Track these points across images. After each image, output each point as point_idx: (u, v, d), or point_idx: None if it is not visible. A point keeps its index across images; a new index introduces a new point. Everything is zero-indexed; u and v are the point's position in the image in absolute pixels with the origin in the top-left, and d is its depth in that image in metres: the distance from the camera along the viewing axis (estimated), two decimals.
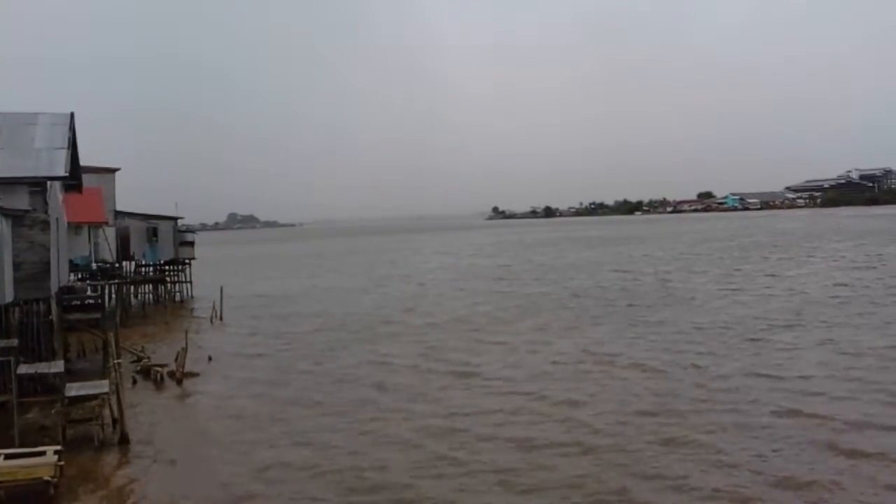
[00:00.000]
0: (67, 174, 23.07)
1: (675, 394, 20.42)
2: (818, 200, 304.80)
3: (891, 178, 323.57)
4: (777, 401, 19.06)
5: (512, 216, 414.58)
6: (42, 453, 14.78)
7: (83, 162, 28.55)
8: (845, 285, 42.98)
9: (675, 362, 24.31)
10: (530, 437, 17.07)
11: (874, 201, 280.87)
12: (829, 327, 29.58)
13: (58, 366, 19.71)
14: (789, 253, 70.02)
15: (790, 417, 17.63)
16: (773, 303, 37.04)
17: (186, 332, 29.70)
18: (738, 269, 56.44)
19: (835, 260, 60.91)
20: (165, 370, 25.88)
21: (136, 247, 49.49)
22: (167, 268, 52.56)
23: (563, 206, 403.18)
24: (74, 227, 38.40)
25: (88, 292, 27.89)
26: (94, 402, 18.21)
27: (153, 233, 50.55)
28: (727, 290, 43.47)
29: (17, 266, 21.57)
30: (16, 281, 21.45)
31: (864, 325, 29.87)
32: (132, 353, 28.73)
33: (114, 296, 41.38)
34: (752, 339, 27.61)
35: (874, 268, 52.69)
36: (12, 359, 18.36)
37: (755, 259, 65.32)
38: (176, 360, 26.08)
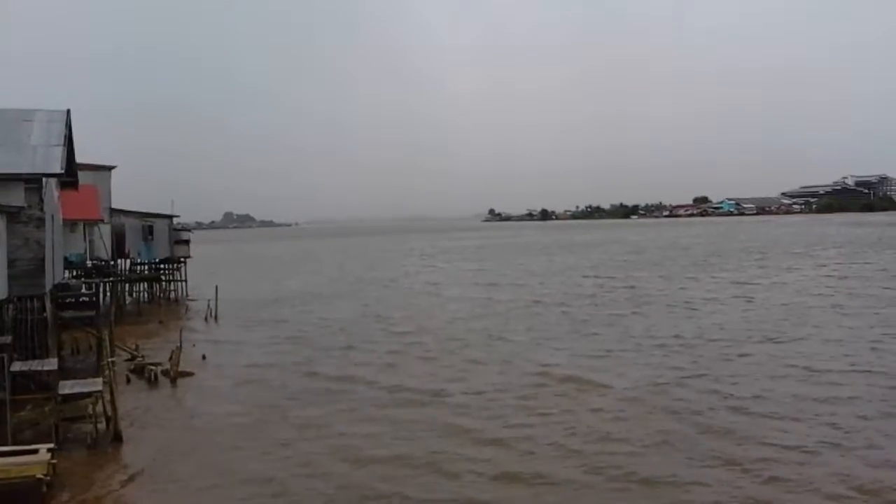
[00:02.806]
0: (63, 171, 22.99)
1: (631, 419, 18.92)
2: (813, 206, 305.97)
3: (886, 185, 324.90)
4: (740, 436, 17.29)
5: (508, 218, 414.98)
6: (35, 451, 14.71)
7: (79, 159, 28.49)
8: (823, 295, 42.56)
9: (639, 383, 22.65)
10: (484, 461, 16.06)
11: (869, 208, 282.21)
12: (800, 341, 28.85)
13: (51, 363, 19.65)
14: (774, 261, 69.58)
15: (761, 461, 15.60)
16: (748, 313, 36.36)
17: (181, 331, 29.68)
18: (714, 277, 56.24)
19: (816, 268, 60.84)
20: (159, 369, 25.81)
21: (131, 245, 49.35)
22: (162, 266, 52.46)
23: (559, 209, 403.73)
24: (70, 225, 38.32)
25: (83, 290, 27.81)
26: (87, 400, 18.20)
27: (149, 231, 50.43)
28: (705, 298, 42.78)
29: (11, 263, 21.50)
30: (10, 278, 21.38)
31: (833, 339, 29.19)
32: (126, 351, 28.65)
33: (108, 294, 41.34)
34: (722, 356, 26.44)
35: (847, 277, 52.78)
36: (6, 356, 18.29)
37: (736, 266, 65.00)
38: (170, 358, 26.01)
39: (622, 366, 25.37)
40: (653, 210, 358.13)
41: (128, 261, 49.93)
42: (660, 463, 15.61)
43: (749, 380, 22.56)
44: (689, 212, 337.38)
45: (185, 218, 73.16)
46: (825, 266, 62.57)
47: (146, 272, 51.64)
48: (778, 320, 33.88)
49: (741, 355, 26.33)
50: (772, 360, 25.39)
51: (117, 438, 17.76)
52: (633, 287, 50.53)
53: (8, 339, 19.60)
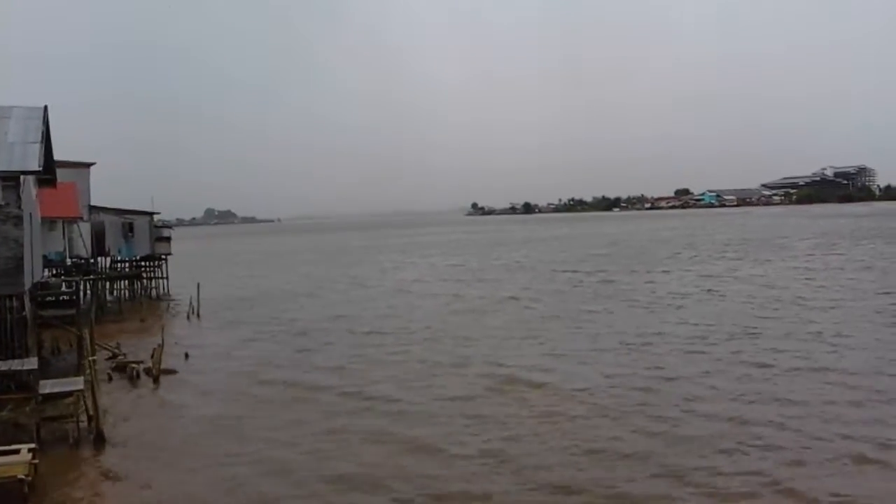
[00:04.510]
0: (41, 168, 22.69)
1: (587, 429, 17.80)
2: (793, 197, 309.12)
3: (865, 176, 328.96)
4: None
5: (491, 212, 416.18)
6: (16, 451, 14.59)
7: (57, 156, 28.17)
8: (790, 289, 42.36)
9: (601, 386, 21.72)
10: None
11: (848, 198, 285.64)
12: (771, 338, 27.88)
13: (31, 363, 19.47)
14: (749, 255, 69.04)
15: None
16: (716, 309, 35.79)
17: (163, 329, 29.43)
18: (687, 270, 56.26)
19: (785, 260, 61.23)
20: (141, 367, 25.67)
21: (111, 242, 48.97)
22: (143, 263, 52.08)
23: (542, 203, 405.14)
24: (48, 223, 37.89)
25: (63, 288, 27.52)
26: (68, 400, 18.04)
27: (129, 228, 50.06)
28: (674, 293, 42.44)
29: None
30: None
31: (800, 335, 28.28)
32: (107, 349, 28.43)
33: (89, 292, 40.99)
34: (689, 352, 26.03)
35: (815, 270, 53.15)
36: None
37: (708, 260, 65.07)
38: (152, 356, 25.86)
39: (584, 366, 24.50)
40: (635, 202, 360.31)
41: (108, 258, 49.56)
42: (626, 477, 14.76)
43: (712, 381, 21.74)
44: (670, 204, 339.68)
45: (165, 214, 72.71)
46: (796, 258, 62.86)
47: (127, 270, 51.27)
48: (746, 316, 33.17)
49: (705, 353, 25.64)
50: (736, 359, 24.52)
51: (99, 438, 17.63)
52: (604, 282, 50.24)
53: None
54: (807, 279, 46.85)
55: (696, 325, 31.52)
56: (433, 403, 20.74)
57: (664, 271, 56.23)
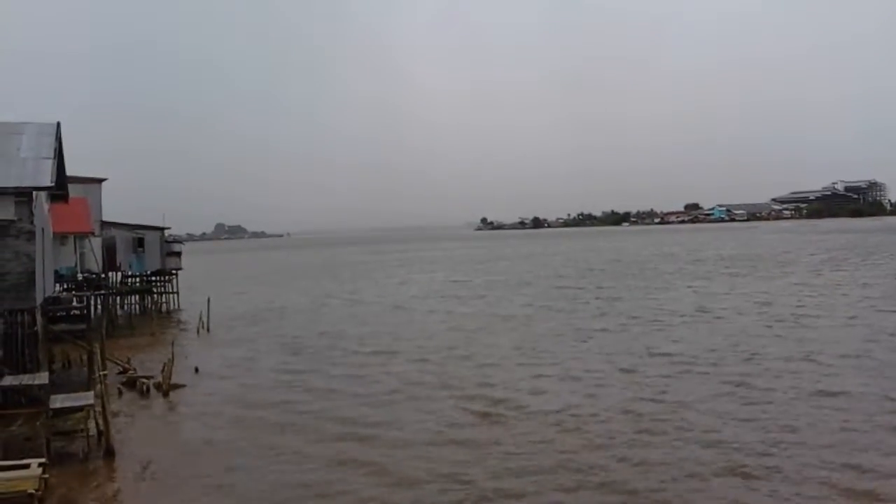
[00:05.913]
0: (53, 184, 22.93)
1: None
2: (804, 212, 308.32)
3: (875, 191, 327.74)
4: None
5: (500, 227, 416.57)
6: (26, 466, 14.62)
7: (69, 171, 28.44)
8: (788, 305, 41.76)
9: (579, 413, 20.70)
10: None
11: (858, 213, 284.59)
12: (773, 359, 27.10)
13: (42, 377, 19.57)
14: (753, 272, 67.81)
15: None
16: (711, 328, 34.99)
17: (173, 344, 29.47)
18: (689, 287, 55.67)
19: (784, 276, 60.70)
20: (152, 382, 25.69)
21: (122, 257, 49.22)
22: (154, 278, 52.32)
23: (551, 217, 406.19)
24: (60, 238, 38.18)
25: (74, 303, 27.68)
26: (79, 414, 18.08)
27: (139, 243, 50.33)
28: (672, 311, 41.52)
29: (1, 276, 21.41)
30: (0, 291, 21.27)
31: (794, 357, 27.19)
32: (118, 364, 28.49)
33: (100, 307, 41.13)
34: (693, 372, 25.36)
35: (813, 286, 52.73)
36: None
37: (708, 277, 64.48)
38: (162, 371, 25.90)
39: (579, 389, 23.55)
40: (644, 217, 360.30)
41: (119, 273, 49.81)
42: None
43: (709, 406, 20.75)
44: (680, 218, 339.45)
45: (176, 229, 73.21)
46: (801, 275, 62.07)
47: (137, 284, 51.49)
48: (748, 336, 32.14)
49: (704, 375, 24.80)
50: (734, 382, 23.50)
51: (109, 452, 17.61)
52: (604, 299, 49.56)
53: None
54: (810, 297, 45.86)
55: (695, 344, 30.67)
56: (424, 435, 19.36)
57: (666, 288, 55.64)
